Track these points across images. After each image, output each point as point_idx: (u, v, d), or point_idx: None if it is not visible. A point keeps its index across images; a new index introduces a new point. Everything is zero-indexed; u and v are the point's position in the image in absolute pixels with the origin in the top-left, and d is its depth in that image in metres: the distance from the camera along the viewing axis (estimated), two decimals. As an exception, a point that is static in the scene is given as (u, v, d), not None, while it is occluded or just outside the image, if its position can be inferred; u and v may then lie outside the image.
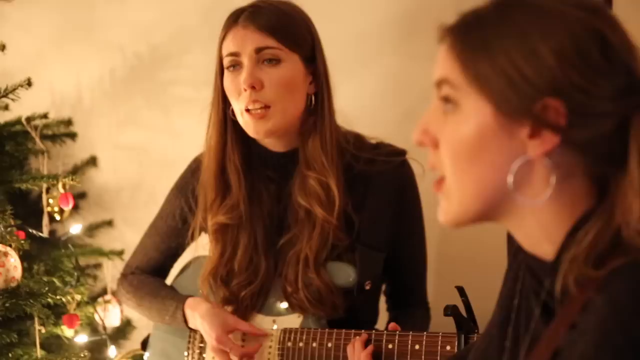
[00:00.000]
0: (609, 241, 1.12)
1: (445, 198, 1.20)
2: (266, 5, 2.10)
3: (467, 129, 1.16)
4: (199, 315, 2.17)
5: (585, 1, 1.17)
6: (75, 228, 2.75)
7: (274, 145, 2.19)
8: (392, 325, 2.05)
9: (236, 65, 2.10)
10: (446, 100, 1.18)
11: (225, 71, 2.12)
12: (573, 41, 1.13)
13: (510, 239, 1.30)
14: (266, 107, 2.08)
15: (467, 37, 1.17)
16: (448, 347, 1.94)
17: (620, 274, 1.09)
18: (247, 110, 2.09)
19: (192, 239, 2.29)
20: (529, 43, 1.13)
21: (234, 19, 2.11)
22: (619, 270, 1.10)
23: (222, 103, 2.15)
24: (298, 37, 2.10)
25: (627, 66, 1.15)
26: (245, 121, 2.11)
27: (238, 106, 2.11)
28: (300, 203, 2.14)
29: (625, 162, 1.13)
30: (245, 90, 2.07)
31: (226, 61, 2.11)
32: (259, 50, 2.07)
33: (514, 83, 1.13)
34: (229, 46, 2.10)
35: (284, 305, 2.17)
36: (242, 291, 2.18)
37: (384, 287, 2.32)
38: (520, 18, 1.15)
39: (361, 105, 2.47)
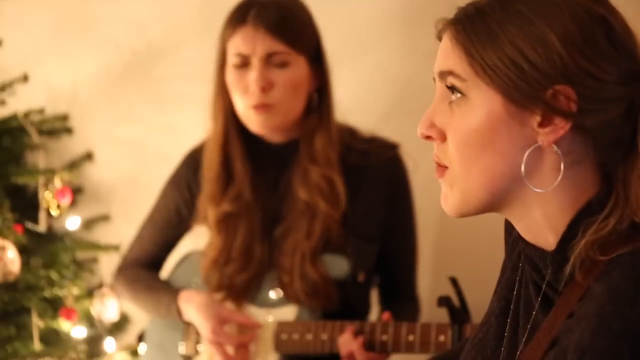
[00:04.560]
0: (620, 228, 1.12)
1: (449, 186, 1.19)
2: (271, 2, 2.12)
3: (477, 119, 1.15)
4: (193, 307, 2.18)
5: None
6: (72, 222, 2.76)
7: (272, 136, 2.21)
8: (386, 315, 2.07)
9: (244, 64, 2.12)
10: (452, 90, 1.17)
11: (231, 67, 2.14)
12: (579, 27, 1.13)
13: (508, 229, 1.30)
14: (271, 105, 2.11)
15: (471, 27, 1.16)
16: (442, 338, 1.95)
17: (620, 262, 1.10)
18: (253, 107, 2.12)
19: (191, 229, 2.31)
20: (535, 30, 1.13)
21: (241, 16, 2.11)
22: (618, 258, 1.10)
23: (224, 95, 2.17)
24: (305, 38, 2.13)
25: (630, 51, 1.15)
26: (249, 116, 2.15)
27: (243, 102, 2.14)
28: (301, 196, 2.16)
29: (634, 148, 1.14)
30: (255, 90, 2.10)
31: (234, 59, 2.13)
32: (269, 55, 2.09)
33: (523, 72, 1.13)
34: (238, 46, 2.12)
35: (278, 293, 2.19)
36: (236, 277, 2.20)
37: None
38: (523, 6, 1.14)
39: (351, 98, 2.48)
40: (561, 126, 1.13)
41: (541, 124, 1.14)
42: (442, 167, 1.20)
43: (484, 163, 1.16)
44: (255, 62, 2.11)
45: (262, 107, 2.12)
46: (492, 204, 1.18)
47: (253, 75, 2.11)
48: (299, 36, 2.13)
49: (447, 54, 1.18)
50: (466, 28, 1.16)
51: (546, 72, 1.12)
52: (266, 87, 2.11)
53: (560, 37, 1.12)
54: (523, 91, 1.13)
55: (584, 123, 1.13)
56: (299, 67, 2.14)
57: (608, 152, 1.16)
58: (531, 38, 1.13)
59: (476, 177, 1.16)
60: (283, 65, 2.12)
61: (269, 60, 2.11)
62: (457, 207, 1.19)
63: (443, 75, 1.18)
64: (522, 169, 1.15)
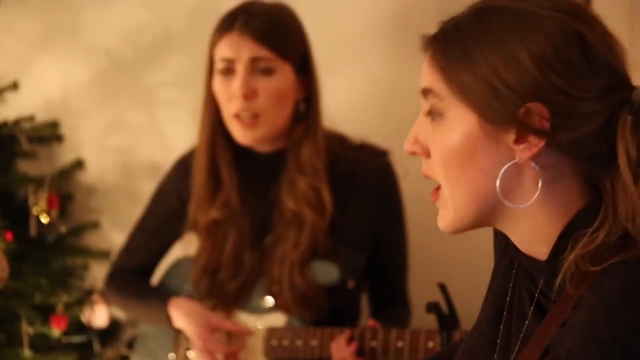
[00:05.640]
0: (610, 239, 1.13)
1: (442, 206, 1.20)
2: (260, 11, 2.13)
3: (454, 138, 1.16)
4: (183, 314, 2.18)
5: (562, 2, 1.17)
6: (62, 229, 2.76)
7: (260, 146, 2.22)
8: (372, 322, 2.08)
9: (229, 70, 2.12)
10: (432, 108, 1.18)
11: (217, 74, 2.15)
12: (551, 44, 1.13)
13: (497, 234, 1.31)
14: (256, 115, 2.11)
15: (447, 47, 1.17)
16: (431, 344, 1.96)
17: (613, 272, 1.10)
18: (237, 116, 2.12)
19: (181, 236, 2.31)
20: (508, 49, 1.13)
21: (229, 23, 2.12)
22: (611, 268, 1.11)
23: (212, 102, 2.18)
24: (291, 46, 2.13)
25: (608, 64, 1.15)
26: (233, 126, 2.15)
27: (227, 110, 2.14)
28: (288, 206, 2.16)
29: (616, 159, 1.14)
30: (238, 97, 2.10)
31: (219, 65, 2.13)
32: (254, 60, 2.10)
33: (496, 91, 1.13)
34: (223, 51, 2.12)
35: (268, 302, 2.20)
36: (226, 284, 2.20)
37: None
38: (497, 25, 1.15)
39: (343, 106, 2.49)
40: (535, 143, 1.14)
41: (516, 141, 1.15)
42: (436, 191, 1.21)
43: (466, 181, 1.17)
44: (240, 68, 2.11)
45: (247, 123, 2.12)
46: (483, 220, 1.20)
47: (237, 82, 2.11)
48: (285, 44, 2.13)
49: (426, 72, 1.19)
50: (443, 47, 1.17)
51: (518, 90, 1.13)
52: (249, 95, 2.11)
53: (532, 55, 1.13)
54: (496, 110, 1.14)
55: (559, 139, 1.14)
56: (285, 76, 2.14)
57: (589, 164, 1.16)
58: (504, 57, 1.13)
59: (462, 194, 1.18)
60: (268, 72, 2.12)
61: (253, 66, 2.11)
62: (452, 226, 1.20)
63: (425, 92, 1.19)
64: (497, 184, 1.16)
